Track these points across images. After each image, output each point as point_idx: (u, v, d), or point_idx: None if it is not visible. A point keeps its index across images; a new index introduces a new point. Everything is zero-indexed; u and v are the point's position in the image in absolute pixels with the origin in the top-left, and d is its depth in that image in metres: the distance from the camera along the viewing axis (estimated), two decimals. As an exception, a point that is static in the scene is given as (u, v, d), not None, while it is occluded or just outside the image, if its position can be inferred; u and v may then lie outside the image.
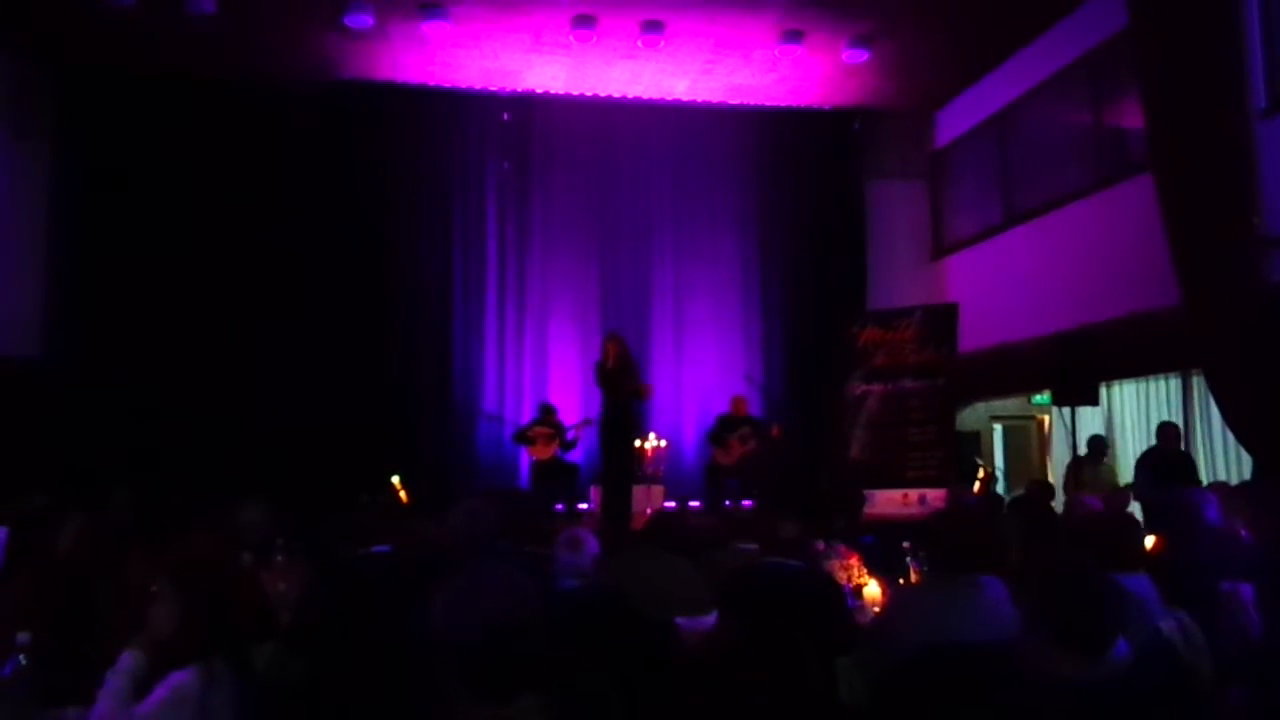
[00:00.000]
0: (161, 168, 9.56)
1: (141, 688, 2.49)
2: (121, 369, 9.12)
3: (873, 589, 3.77)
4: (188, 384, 9.16)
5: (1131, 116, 7.82)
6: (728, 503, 9.14)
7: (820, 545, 4.02)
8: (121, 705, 2.41)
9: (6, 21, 8.66)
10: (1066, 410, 8.09)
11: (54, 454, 8.32)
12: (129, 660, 2.53)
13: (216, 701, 2.47)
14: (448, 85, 10.04)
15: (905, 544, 4.02)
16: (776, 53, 9.15)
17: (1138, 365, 8.29)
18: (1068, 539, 3.68)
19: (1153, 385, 9.03)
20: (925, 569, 3.55)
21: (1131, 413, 9.24)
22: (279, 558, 4.73)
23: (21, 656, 2.23)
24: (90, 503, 4.81)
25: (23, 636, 2.27)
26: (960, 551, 2.74)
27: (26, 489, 5.29)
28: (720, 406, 9.78)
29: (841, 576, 3.84)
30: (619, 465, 8.16)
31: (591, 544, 3.35)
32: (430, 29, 8.56)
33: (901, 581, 3.90)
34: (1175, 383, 8.77)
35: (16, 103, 9.34)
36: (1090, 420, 9.26)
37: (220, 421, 9.00)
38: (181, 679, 2.43)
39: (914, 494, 8.69)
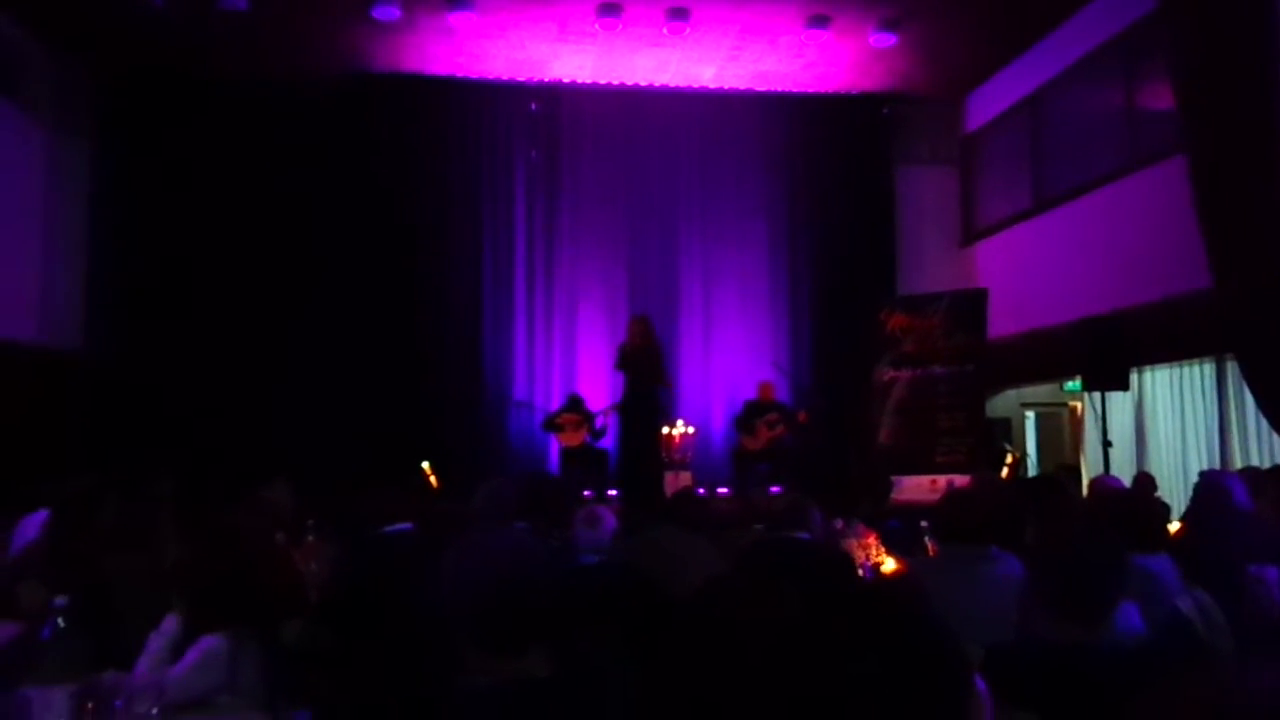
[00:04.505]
0: (196, 162, 9.74)
1: (177, 652, 2.62)
2: (159, 359, 9.34)
3: (889, 566, 3.80)
4: (223, 373, 9.35)
5: (1164, 98, 7.71)
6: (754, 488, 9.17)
7: (839, 524, 4.05)
8: (158, 666, 2.53)
9: (47, 21, 8.88)
10: (1097, 396, 8.02)
11: (95, 441, 8.54)
12: (171, 624, 2.66)
13: (245, 667, 2.58)
14: (475, 76, 10.13)
15: (923, 523, 4.04)
16: (803, 38, 9.13)
17: (1170, 350, 8.20)
18: (1087, 518, 3.69)
19: (1186, 370, 8.91)
20: (940, 544, 3.58)
21: (1164, 399, 9.13)
22: (310, 538, 4.88)
23: (60, 620, 2.34)
24: (130, 487, 4.95)
25: (60, 600, 2.38)
26: (966, 523, 2.77)
27: (70, 474, 5.45)
28: (748, 392, 9.82)
29: (859, 555, 3.87)
30: (641, 450, 8.19)
31: (609, 520, 3.41)
32: (457, 20, 8.64)
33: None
34: (1209, 368, 8.65)
35: (57, 100, 9.57)
36: (1122, 406, 9.17)
37: (255, 409, 9.18)
38: (211, 644, 2.55)
39: (942, 480, 8.66)
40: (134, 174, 9.72)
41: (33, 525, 4.36)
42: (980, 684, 1.15)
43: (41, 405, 8.76)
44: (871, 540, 4.01)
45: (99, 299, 9.65)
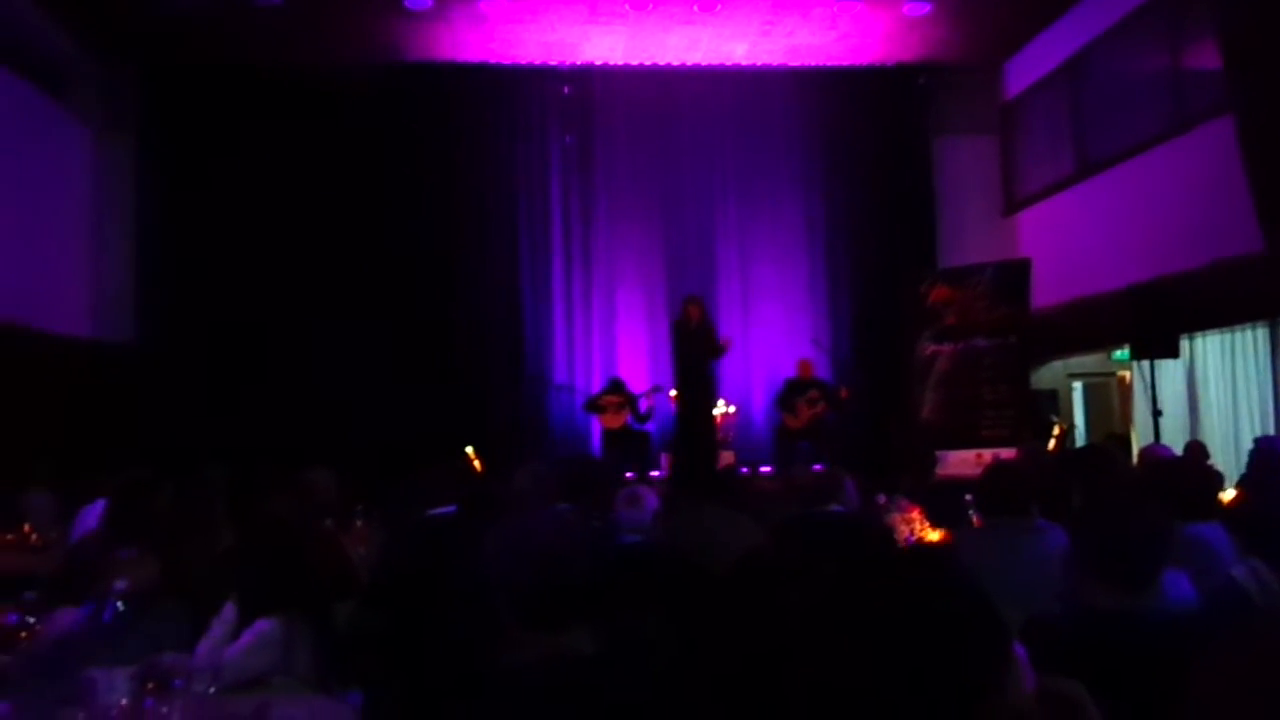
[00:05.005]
0: (238, 156, 9.88)
1: (234, 636, 2.70)
2: (207, 349, 9.53)
3: (935, 539, 3.78)
4: (268, 361, 9.51)
5: (1210, 57, 7.51)
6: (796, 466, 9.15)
7: (882, 499, 4.03)
8: (217, 649, 2.61)
9: (92, 24, 9.06)
10: (1146, 365, 7.88)
11: (148, 432, 8.74)
12: (231, 610, 2.74)
13: (298, 649, 2.65)
14: (508, 62, 10.15)
15: (967, 497, 4.01)
16: (835, 10, 9.01)
17: (1221, 315, 8.02)
18: (1135, 487, 3.63)
19: (1238, 336, 8.71)
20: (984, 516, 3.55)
21: (1215, 365, 8.93)
22: (358, 523, 4.97)
23: (120, 603, 2.41)
24: (183, 475, 5.08)
25: (120, 583, 2.45)
26: (1009, 495, 2.74)
27: (125, 464, 5.60)
28: (788, 371, 9.78)
29: (903, 530, 3.85)
30: (698, 428, 8.22)
31: (650, 500, 3.43)
32: (488, 6, 8.66)
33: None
34: (1262, 332, 8.45)
35: (102, 102, 9.79)
36: (1173, 374, 9.00)
37: (301, 396, 9.32)
38: (264, 627, 2.61)
39: (988, 454, 8.57)
40: (178, 170, 9.89)
41: (92, 515, 4.49)
42: (1020, 651, 1.15)
43: (96, 399, 8.99)
44: (915, 514, 3.98)
45: (148, 293, 9.85)
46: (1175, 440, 8.05)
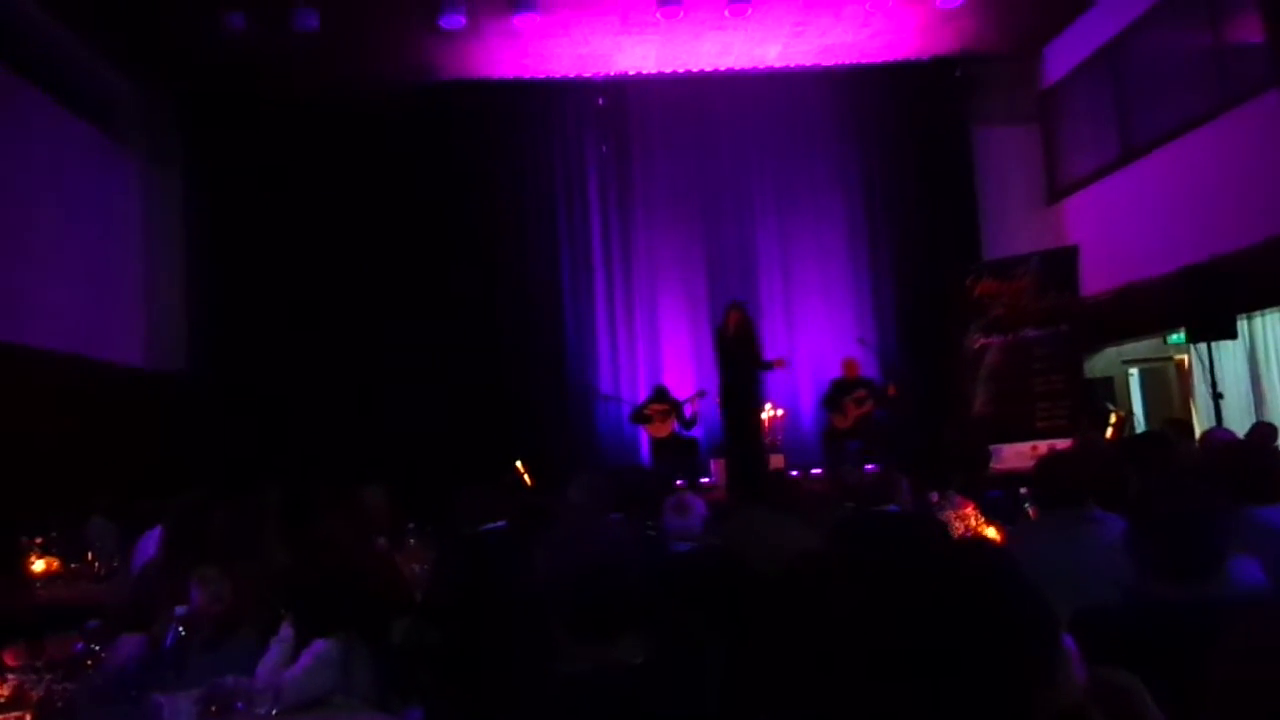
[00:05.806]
0: (279, 181, 10.04)
1: (293, 656, 2.72)
2: (257, 374, 9.70)
3: (991, 535, 3.71)
4: (317, 383, 9.65)
5: (1253, 30, 7.33)
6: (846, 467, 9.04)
7: (934, 496, 3.97)
8: (277, 670, 2.64)
9: (135, 56, 9.30)
10: (1204, 348, 7.68)
11: (202, 457, 8.92)
12: (289, 631, 2.77)
13: (356, 667, 2.67)
14: (542, 76, 10.23)
15: (1023, 490, 3.94)
16: (868, 6, 8.92)
17: (1280, 293, 7.80)
18: (1196, 472, 3.53)
19: (1300, 314, 8.46)
20: (1040, 509, 3.48)
21: (1277, 344, 8.66)
22: (411, 541, 5.02)
23: (180, 628, 2.46)
24: (237, 499, 5.16)
25: (180, 609, 2.50)
26: (1064, 485, 2.68)
27: (179, 490, 5.72)
28: (834, 371, 9.70)
29: (958, 526, 3.79)
30: (746, 434, 8.19)
31: (699, 507, 3.41)
32: (521, 22, 8.73)
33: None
34: (1326, 310, 8.20)
35: (147, 131, 10.02)
36: (1233, 355, 8.76)
37: (350, 417, 9.45)
38: (322, 647, 2.63)
39: (1044, 445, 8.40)
40: (222, 198, 10.09)
41: (151, 542, 4.58)
42: (1070, 643, 1.12)
43: (153, 428, 9.20)
44: (969, 510, 3.91)
45: (199, 321, 10.06)
46: (1239, 423, 7.82)
